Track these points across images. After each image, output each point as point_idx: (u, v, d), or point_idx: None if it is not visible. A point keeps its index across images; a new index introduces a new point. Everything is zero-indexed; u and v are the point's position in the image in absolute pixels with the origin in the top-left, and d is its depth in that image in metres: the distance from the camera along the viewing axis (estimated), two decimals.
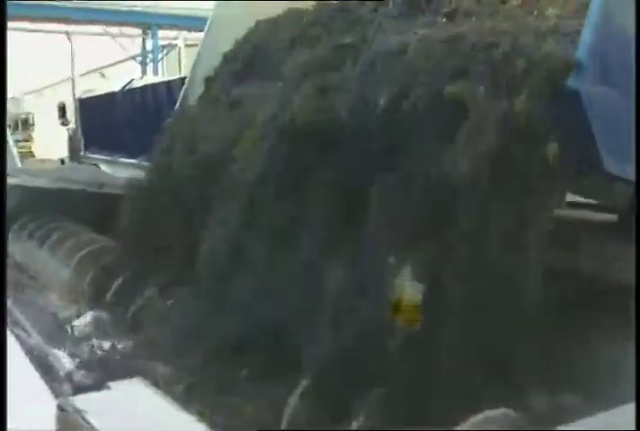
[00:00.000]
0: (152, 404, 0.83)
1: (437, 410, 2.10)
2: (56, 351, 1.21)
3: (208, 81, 4.50)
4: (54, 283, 4.89)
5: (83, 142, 13.44)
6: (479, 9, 2.99)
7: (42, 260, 5.79)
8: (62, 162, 15.55)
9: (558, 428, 1.46)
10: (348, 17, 3.76)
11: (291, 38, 3.95)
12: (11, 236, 8.71)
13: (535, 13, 2.68)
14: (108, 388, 0.89)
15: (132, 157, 10.52)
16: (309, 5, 4.22)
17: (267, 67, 3.77)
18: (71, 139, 15.49)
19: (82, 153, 13.27)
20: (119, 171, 10.64)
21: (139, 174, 9.53)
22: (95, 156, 12.09)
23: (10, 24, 20.20)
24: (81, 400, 0.88)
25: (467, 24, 2.75)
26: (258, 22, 4.40)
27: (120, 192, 8.67)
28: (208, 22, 5.17)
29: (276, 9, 4.37)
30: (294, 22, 4.14)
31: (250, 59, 4.22)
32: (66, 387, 1.05)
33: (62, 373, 1.11)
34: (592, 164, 2.12)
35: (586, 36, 2.13)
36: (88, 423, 0.80)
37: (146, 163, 9.97)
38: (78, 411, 0.84)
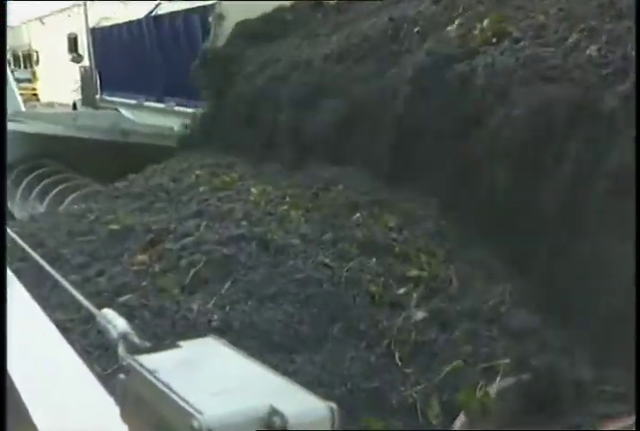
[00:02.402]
0: (228, 362, 0.70)
1: None
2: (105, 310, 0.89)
3: None
4: None
5: (99, 82, 12.39)
6: None
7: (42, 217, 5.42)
8: (74, 106, 14.43)
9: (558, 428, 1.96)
10: None
11: None
12: (8, 190, 7.86)
13: None
14: (178, 347, 0.73)
15: (160, 100, 9.47)
16: None
17: None
18: (84, 79, 14.31)
19: (98, 96, 12.24)
20: (143, 116, 9.52)
21: (169, 121, 8.56)
22: (114, 99, 11.06)
23: None
24: (149, 360, 0.70)
25: None
26: None
27: (150, 142, 7.67)
28: None
29: None
30: None
31: None
32: (122, 349, 0.77)
33: (115, 335, 0.82)
34: None
35: None
36: (161, 382, 0.64)
37: (176, 108, 9.02)
38: (149, 371, 0.67)
